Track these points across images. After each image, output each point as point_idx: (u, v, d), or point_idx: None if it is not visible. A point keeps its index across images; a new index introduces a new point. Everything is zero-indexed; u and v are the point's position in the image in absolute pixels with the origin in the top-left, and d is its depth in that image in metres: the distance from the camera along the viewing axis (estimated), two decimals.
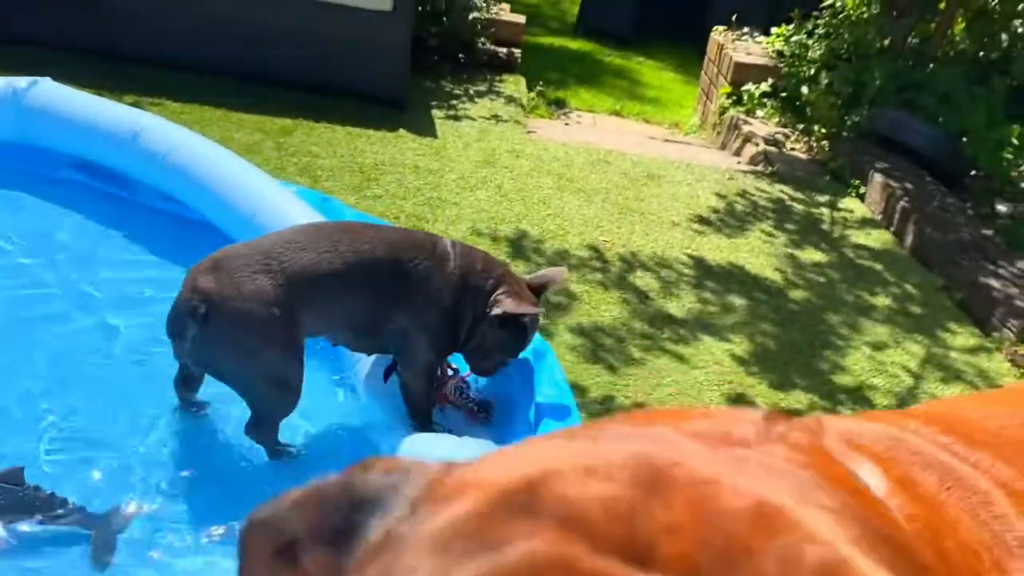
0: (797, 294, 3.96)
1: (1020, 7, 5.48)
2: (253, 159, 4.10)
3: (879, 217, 4.88)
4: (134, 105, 4.70)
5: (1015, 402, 0.74)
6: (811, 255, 4.37)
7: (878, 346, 3.63)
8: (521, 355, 2.53)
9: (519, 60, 6.64)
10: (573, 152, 5.17)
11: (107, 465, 2.19)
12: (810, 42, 6.12)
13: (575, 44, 9.29)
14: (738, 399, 3.12)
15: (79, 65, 5.03)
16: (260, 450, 2.26)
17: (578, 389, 2.98)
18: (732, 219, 4.63)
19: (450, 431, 2.38)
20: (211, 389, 2.40)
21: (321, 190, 4.06)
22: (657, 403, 3.01)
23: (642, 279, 3.78)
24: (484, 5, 6.39)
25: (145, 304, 2.78)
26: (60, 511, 2.01)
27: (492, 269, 2.44)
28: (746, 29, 6.93)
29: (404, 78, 5.33)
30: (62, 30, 5.16)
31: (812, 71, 6.01)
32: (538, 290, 2.50)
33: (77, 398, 2.38)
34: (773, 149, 5.77)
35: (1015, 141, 5.24)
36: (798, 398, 3.17)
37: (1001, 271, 4.17)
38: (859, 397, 3.24)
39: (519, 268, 3.71)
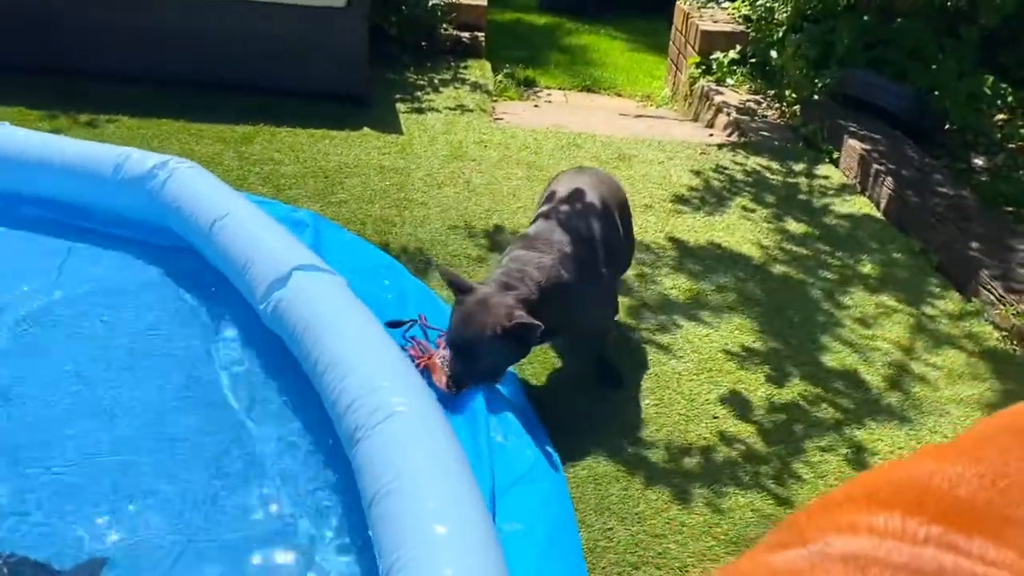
0: (779, 269, 3.81)
1: None
2: (215, 171, 3.92)
3: (855, 182, 4.73)
4: (90, 124, 4.53)
5: (973, 455, 0.76)
6: (791, 227, 4.21)
7: (865, 320, 3.49)
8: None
9: (483, 44, 6.42)
10: (542, 138, 4.99)
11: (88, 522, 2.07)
12: (776, 4, 5.91)
13: (542, 19, 9.04)
14: (721, 390, 2.98)
15: (31, 87, 4.82)
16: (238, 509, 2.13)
17: (548, 389, 2.86)
18: (709, 196, 4.47)
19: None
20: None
21: (284, 199, 3.90)
22: (635, 400, 2.88)
23: None
24: None
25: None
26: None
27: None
28: None
29: (364, 74, 5.13)
30: (11, 53, 4.93)
31: (779, 34, 5.81)
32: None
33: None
34: (745, 118, 5.60)
35: (987, 91, 5.07)
36: (789, 388, 3.02)
37: (979, 230, 4.02)
38: (852, 380, 3.09)
39: (494, 262, 3.55)
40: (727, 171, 4.82)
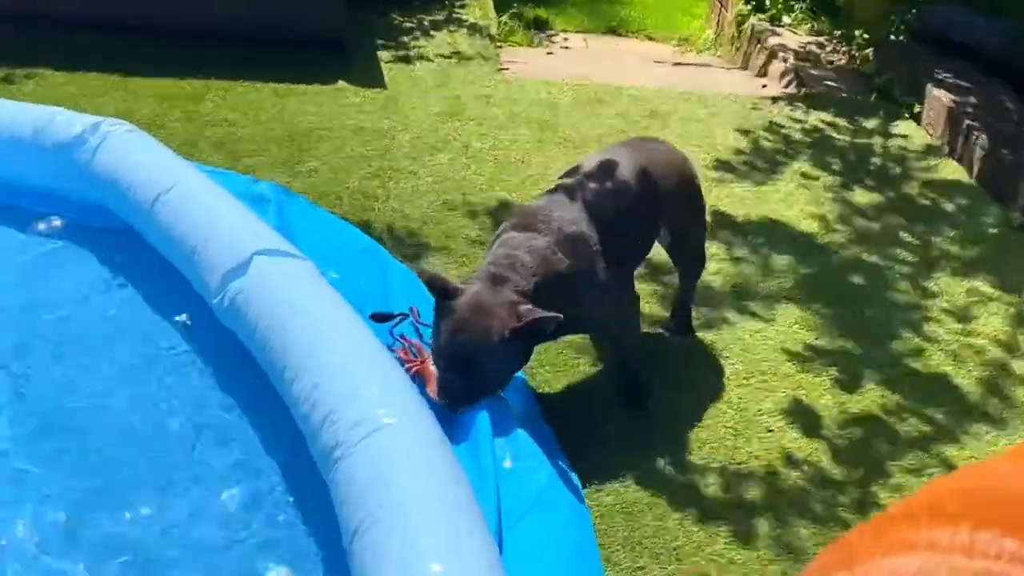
0: (848, 250, 3.80)
1: None
2: (158, 135, 3.92)
3: (941, 142, 4.71)
4: (4, 80, 4.54)
5: None
6: (862, 198, 4.21)
7: (955, 310, 3.47)
8: None
9: None
10: (557, 92, 4.98)
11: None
12: None
13: None
14: (778, 398, 2.98)
15: None
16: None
17: (564, 397, 2.87)
18: (760, 161, 4.46)
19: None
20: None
21: (242, 169, 3.90)
22: (672, 410, 2.88)
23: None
24: None
25: None
26: None
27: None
28: None
29: (340, 12, 5.12)
30: None
31: None
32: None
33: None
34: (806, 65, 5.58)
35: None
36: (862, 396, 3.02)
37: None
38: (941, 384, 3.08)
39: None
40: (783, 130, 4.79)
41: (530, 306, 2.44)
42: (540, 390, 2.90)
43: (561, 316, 2.43)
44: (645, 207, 2.86)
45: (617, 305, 2.79)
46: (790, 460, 2.76)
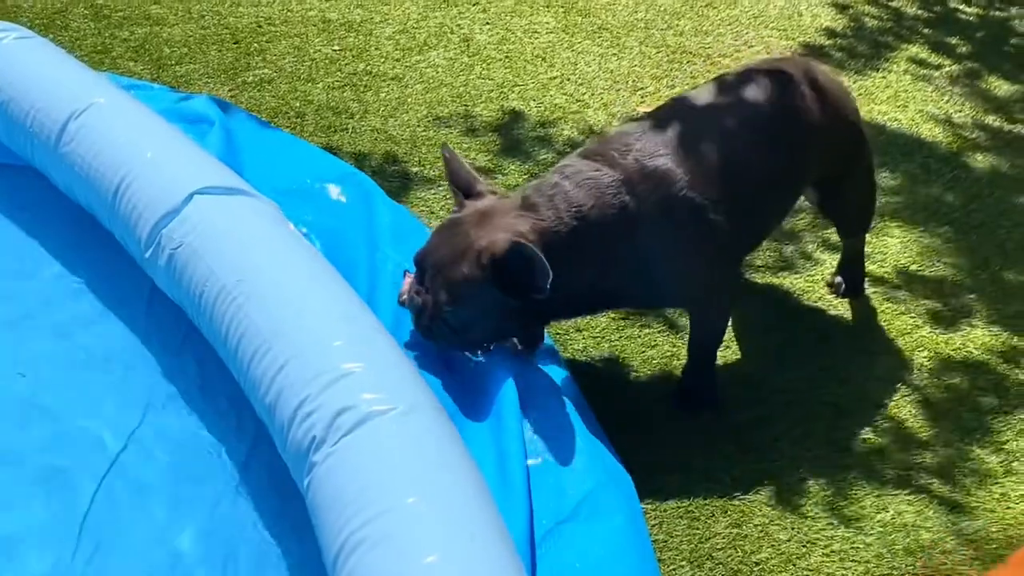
0: (982, 160, 3.81)
1: None
2: (60, 40, 3.95)
3: None
4: None
5: None
6: (999, 91, 4.19)
7: None
8: None
9: None
10: None
11: None
12: None
13: None
14: (892, 360, 3.01)
15: None
16: None
17: (611, 373, 2.92)
18: (862, 45, 4.45)
19: None
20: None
21: (171, 81, 3.92)
22: (747, 379, 2.91)
23: None
24: None
25: None
26: None
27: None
28: None
29: None
30: None
31: None
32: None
33: None
34: None
35: None
36: (985, 342, 3.07)
37: None
38: None
39: (514, 173, 3.58)
40: (891, 3, 4.77)
41: (527, 244, 2.41)
42: (579, 362, 2.93)
43: (547, 268, 2.38)
44: (780, 154, 2.80)
45: (711, 280, 2.75)
46: (900, 438, 2.79)
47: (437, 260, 2.52)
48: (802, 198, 3.16)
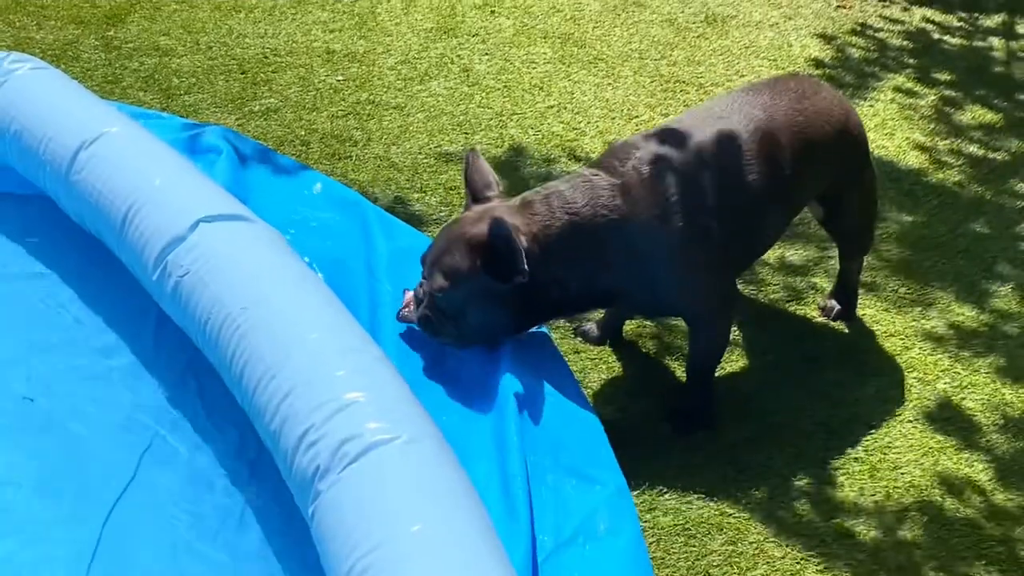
0: (967, 189, 3.80)
1: None
2: (71, 70, 3.94)
3: None
4: None
5: None
6: (982, 117, 4.19)
7: None
8: None
9: None
10: None
11: None
12: None
13: None
14: (879, 384, 2.98)
15: None
16: None
17: (613, 383, 2.89)
18: (848, 75, 4.44)
19: None
20: None
21: (180, 110, 3.89)
22: (745, 402, 2.89)
23: None
24: None
25: None
26: None
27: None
28: None
29: None
30: None
31: None
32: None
33: None
34: None
35: None
36: (984, 379, 3.03)
37: None
38: None
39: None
40: (877, 34, 4.77)
41: (509, 234, 2.46)
42: (584, 374, 2.92)
43: (522, 258, 2.44)
44: (781, 169, 2.79)
45: (704, 287, 2.74)
46: (896, 460, 2.76)
47: (434, 253, 2.61)
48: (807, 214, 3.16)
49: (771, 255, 3.35)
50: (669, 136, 2.72)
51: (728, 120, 2.78)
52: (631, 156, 2.66)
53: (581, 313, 2.98)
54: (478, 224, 2.54)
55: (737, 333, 3.10)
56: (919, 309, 3.26)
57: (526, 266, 2.45)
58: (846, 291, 3.21)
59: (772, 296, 3.29)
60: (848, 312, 3.20)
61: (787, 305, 3.26)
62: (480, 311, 2.58)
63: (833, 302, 3.21)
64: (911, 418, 2.89)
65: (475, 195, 2.69)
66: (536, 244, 2.54)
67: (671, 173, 2.63)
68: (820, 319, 3.20)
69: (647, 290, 2.68)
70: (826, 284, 3.32)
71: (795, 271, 3.39)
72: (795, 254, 3.45)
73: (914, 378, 3.02)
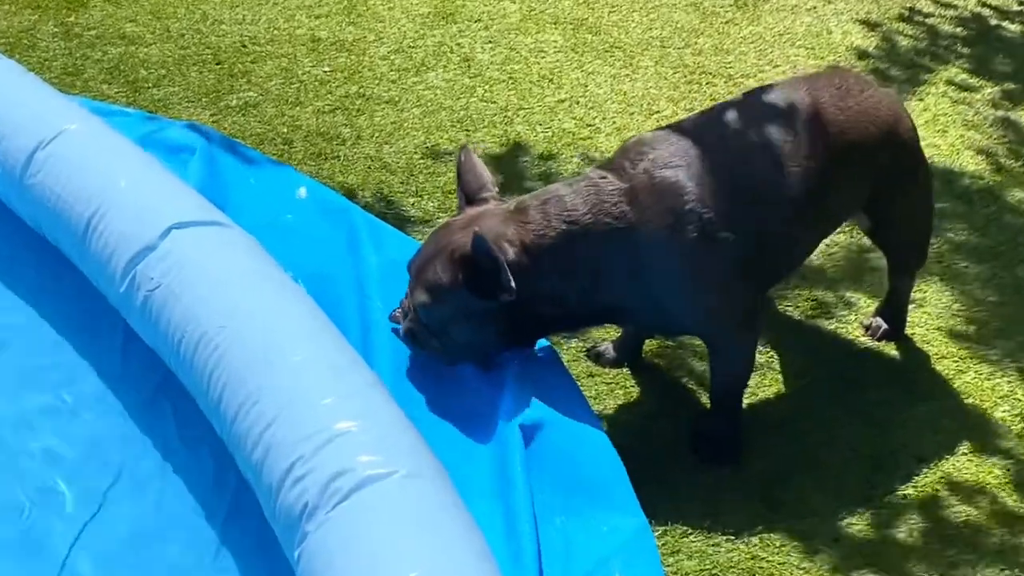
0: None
1: None
2: (26, 60, 3.95)
3: None
4: None
5: None
6: None
7: None
8: None
9: None
10: None
11: None
12: None
13: None
14: (929, 407, 2.99)
15: None
16: None
17: (629, 410, 2.90)
18: (895, 67, 4.43)
19: None
20: None
21: (148, 105, 3.91)
22: (777, 427, 2.90)
23: None
24: None
25: None
26: None
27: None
28: None
29: None
30: None
31: None
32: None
33: None
34: None
35: None
36: None
37: None
38: None
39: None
40: (927, 20, 4.76)
41: (494, 246, 2.48)
42: (598, 400, 2.94)
43: (505, 268, 2.46)
44: (817, 176, 2.76)
45: (720, 305, 2.74)
46: (953, 487, 2.77)
47: (418, 263, 2.65)
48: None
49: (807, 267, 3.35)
50: (689, 134, 2.72)
51: (758, 118, 2.79)
52: (644, 156, 2.66)
53: (583, 329, 3.01)
54: (463, 233, 2.56)
55: (767, 353, 3.12)
56: (974, 327, 3.26)
57: (513, 283, 2.46)
58: (894, 310, 3.21)
59: (802, 310, 3.29)
60: (896, 333, 3.20)
61: (820, 320, 3.27)
62: (464, 329, 2.62)
63: (879, 320, 3.21)
64: (966, 450, 2.89)
65: (468, 197, 2.71)
66: (527, 256, 2.55)
67: (687, 177, 2.62)
68: (858, 336, 3.20)
69: (654, 308, 2.69)
70: (862, 298, 3.32)
71: (827, 282, 3.39)
72: (826, 263, 3.45)
73: (969, 404, 3.02)
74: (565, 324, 2.79)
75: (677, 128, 2.78)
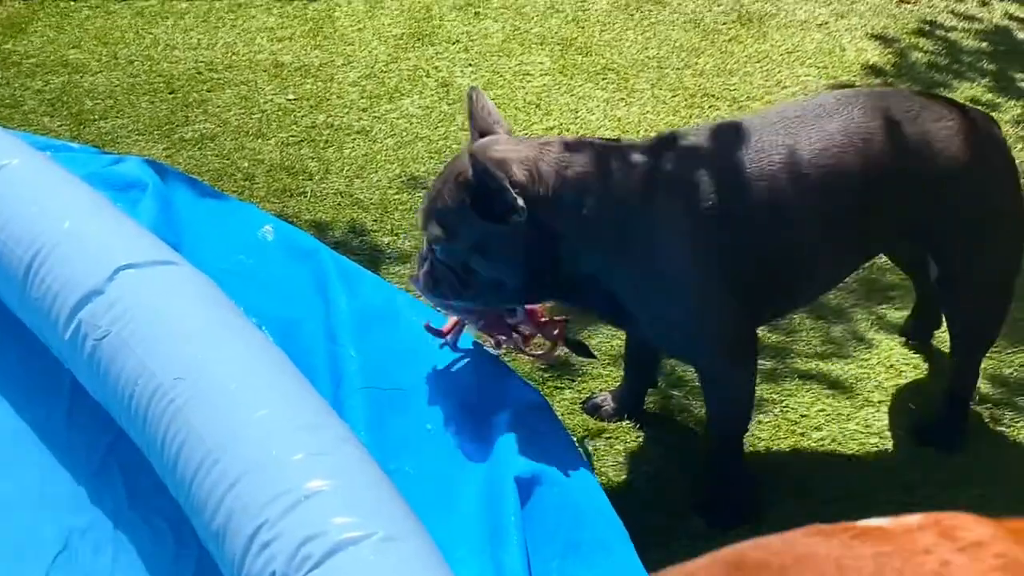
0: None
1: None
2: None
3: None
4: None
5: None
6: None
7: None
8: None
9: None
10: None
11: None
12: None
13: None
14: (959, 465, 3.00)
15: None
16: None
17: (629, 461, 2.90)
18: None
19: None
20: None
21: (95, 139, 3.91)
22: (788, 469, 2.90)
23: None
24: None
25: None
26: None
27: None
28: None
29: None
30: None
31: None
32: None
33: None
34: None
35: None
36: None
37: None
38: None
39: None
40: (948, 34, 4.82)
41: (503, 173, 2.55)
42: (589, 442, 2.97)
43: (508, 188, 2.52)
44: (859, 199, 2.73)
45: (706, 309, 2.73)
46: None
47: (428, 199, 2.72)
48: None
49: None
50: (726, 134, 2.79)
51: (798, 126, 2.76)
52: (674, 145, 2.74)
53: (586, 309, 2.98)
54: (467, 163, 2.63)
55: (785, 404, 3.12)
56: (1000, 360, 3.28)
57: (521, 201, 2.52)
58: (953, 403, 3.06)
59: (828, 358, 3.30)
60: (953, 436, 3.03)
61: (846, 367, 3.27)
62: (485, 262, 2.65)
63: (926, 420, 3.10)
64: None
65: (482, 131, 2.75)
66: (542, 184, 2.60)
67: (706, 175, 2.68)
68: (887, 384, 3.19)
69: (641, 291, 2.72)
70: (875, 334, 3.33)
71: (853, 327, 3.40)
72: (853, 305, 3.47)
73: (993, 448, 3.06)
74: (575, 292, 2.77)
75: (716, 128, 2.84)
